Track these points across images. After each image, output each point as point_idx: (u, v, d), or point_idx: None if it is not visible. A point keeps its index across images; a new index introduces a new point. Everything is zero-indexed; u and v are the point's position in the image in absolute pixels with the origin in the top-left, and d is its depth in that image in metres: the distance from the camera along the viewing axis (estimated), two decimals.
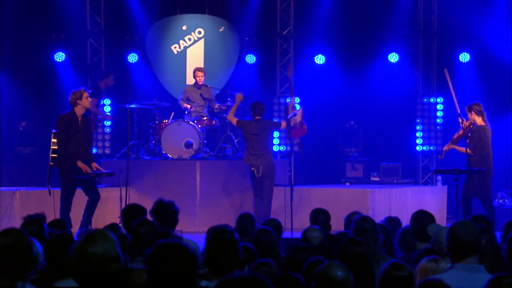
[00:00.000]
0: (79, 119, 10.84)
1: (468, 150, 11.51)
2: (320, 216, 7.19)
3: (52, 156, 11.08)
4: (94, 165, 11.03)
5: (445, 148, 12.02)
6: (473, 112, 11.76)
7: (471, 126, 11.69)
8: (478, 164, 11.53)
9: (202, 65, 15.00)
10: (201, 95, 14.08)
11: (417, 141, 15.74)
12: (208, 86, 14.39)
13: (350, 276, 4.06)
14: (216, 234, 4.60)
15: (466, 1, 14.91)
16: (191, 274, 3.42)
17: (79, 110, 10.82)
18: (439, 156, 12.04)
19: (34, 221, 6.11)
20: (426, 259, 4.85)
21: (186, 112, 13.97)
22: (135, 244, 5.61)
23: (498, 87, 14.88)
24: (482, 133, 11.66)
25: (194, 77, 14.10)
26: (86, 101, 10.81)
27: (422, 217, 6.46)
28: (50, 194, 11.16)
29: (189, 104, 13.94)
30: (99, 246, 3.46)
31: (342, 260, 4.48)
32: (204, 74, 14.09)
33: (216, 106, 14.12)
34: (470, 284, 4.48)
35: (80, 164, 10.76)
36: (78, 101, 10.77)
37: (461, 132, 11.79)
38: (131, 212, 6.81)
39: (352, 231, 5.80)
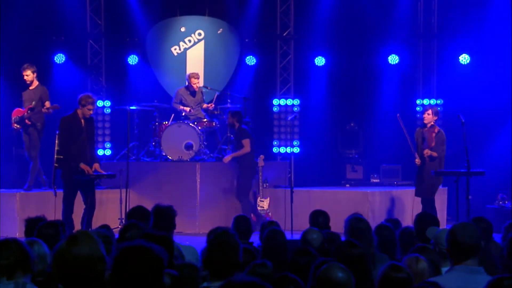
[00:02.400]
0: (82, 121, 10.92)
1: (433, 153, 11.83)
2: (319, 218, 7.20)
3: (56, 158, 11.13)
4: (96, 166, 11.06)
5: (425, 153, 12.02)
6: (433, 114, 11.93)
7: (437, 132, 11.90)
8: (435, 166, 11.73)
9: (202, 67, 15.03)
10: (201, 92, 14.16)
11: None
12: (209, 88, 14.40)
13: (351, 277, 4.08)
14: (218, 236, 4.61)
15: (466, 4, 14.92)
16: (156, 276, 3.35)
17: (81, 113, 10.92)
18: (416, 161, 12.05)
19: (51, 225, 6.10)
20: (408, 257, 4.88)
21: (183, 114, 13.98)
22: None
23: (498, 89, 14.88)
24: (444, 137, 11.86)
25: (190, 83, 14.06)
26: (87, 111, 10.96)
27: (425, 219, 6.47)
28: (55, 195, 11.21)
29: (187, 107, 13.94)
30: (84, 248, 3.39)
31: (340, 262, 4.46)
32: (199, 78, 14.12)
33: (204, 106, 14.14)
34: (470, 286, 4.48)
35: (82, 165, 10.83)
36: (80, 106, 10.90)
37: (433, 135, 11.90)
38: (136, 215, 6.80)
39: (347, 231, 5.83)
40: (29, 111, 12.80)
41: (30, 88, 13.01)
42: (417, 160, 11.93)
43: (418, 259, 4.79)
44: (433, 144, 11.90)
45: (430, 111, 12.06)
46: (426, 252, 5.29)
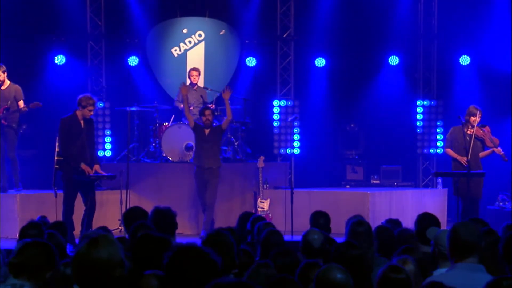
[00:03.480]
0: (81, 122, 10.94)
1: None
2: (320, 219, 7.18)
3: (56, 159, 11.13)
4: (96, 167, 11.07)
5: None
6: None
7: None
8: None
9: (202, 68, 15.00)
10: (202, 96, 14.09)
11: (418, 143, 15.74)
12: (209, 89, 14.39)
13: (349, 278, 4.09)
14: (212, 236, 4.59)
15: (466, 5, 14.92)
16: (210, 280, 3.30)
17: (80, 114, 10.93)
18: (505, 159, 11.89)
19: (34, 225, 6.11)
20: (396, 259, 4.88)
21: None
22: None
23: (498, 90, 14.88)
24: None
25: (189, 77, 14.11)
26: (87, 112, 10.96)
27: (426, 220, 6.44)
28: (56, 196, 11.19)
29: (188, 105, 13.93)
30: (104, 251, 3.41)
31: (339, 263, 4.50)
32: (199, 75, 14.08)
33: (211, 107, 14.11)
34: (471, 283, 4.51)
35: (83, 166, 10.85)
36: (80, 107, 10.90)
37: (489, 134, 11.87)
38: (132, 216, 6.79)
39: (347, 234, 5.82)
40: (4, 111, 12.52)
41: (2, 88, 12.64)
42: (465, 159, 11.64)
43: (405, 260, 4.81)
44: (498, 141, 11.84)
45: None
46: (413, 254, 5.31)
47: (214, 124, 12.60)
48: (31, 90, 14.82)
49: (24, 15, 14.64)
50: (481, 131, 11.79)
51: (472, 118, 11.79)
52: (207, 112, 12.45)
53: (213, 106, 14.11)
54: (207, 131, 12.45)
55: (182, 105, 13.95)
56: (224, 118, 12.86)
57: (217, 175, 12.31)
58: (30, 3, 14.67)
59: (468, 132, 11.79)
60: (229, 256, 4.48)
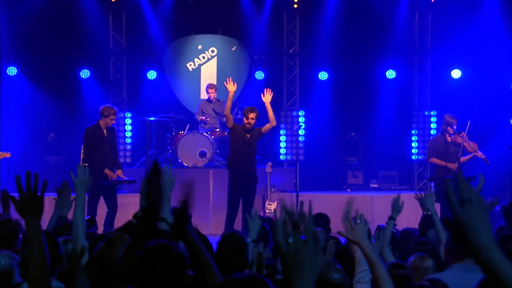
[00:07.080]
0: (104, 131, 11.07)
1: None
2: (320, 219, 7.23)
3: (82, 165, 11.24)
4: (118, 172, 11.21)
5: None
6: None
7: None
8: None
9: (215, 82, 15.15)
10: (213, 109, 14.23)
11: (413, 150, 15.83)
12: (221, 101, 14.53)
13: (346, 278, 3.93)
14: (226, 237, 4.56)
15: (457, 23, 15.02)
16: (178, 275, 3.04)
17: (103, 124, 11.06)
18: (487, 163, 11.85)
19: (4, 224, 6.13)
20: (414, 256, 4.83)
21: (202, 124, 14.10)
22: None
23: (488, 101, 14.94)
24: None
25: (207, 93, 14.24)
26: (109, 121, 11.05)
27: (428, 221, 6.50)
28: None
29: (204, 116, 14.09)
30: (119, 251, 3.31)
31: (341, 262, 4.47)
32: (216, 90, 14.21)
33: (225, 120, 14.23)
34: (468, 284, 4.35)
35: (107, 171, 10.98)
36: (103, 117, 11.02)
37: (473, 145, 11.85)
38: None
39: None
40: None
41: None
42: (455, 165, 11.57)
43: (423, 257, 4.73)
44: (477, 146, 11.79)
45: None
46: (425, 246, 5.33)
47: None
48: (59, 101, 15.01)
49: (52, 34, 14.81)
50: (460, 138, 11.78)
51: (449, 128, 11.75)
52: (252, 115, 11.23)
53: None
54: (248, 134, 11.38)
55: (201, 117, 14.05)
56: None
57: (256, 180, 11.60)
58: (57, 22, 14.85)
59: (448, 140, 11.80)
60: (242, 257, 4.40)
